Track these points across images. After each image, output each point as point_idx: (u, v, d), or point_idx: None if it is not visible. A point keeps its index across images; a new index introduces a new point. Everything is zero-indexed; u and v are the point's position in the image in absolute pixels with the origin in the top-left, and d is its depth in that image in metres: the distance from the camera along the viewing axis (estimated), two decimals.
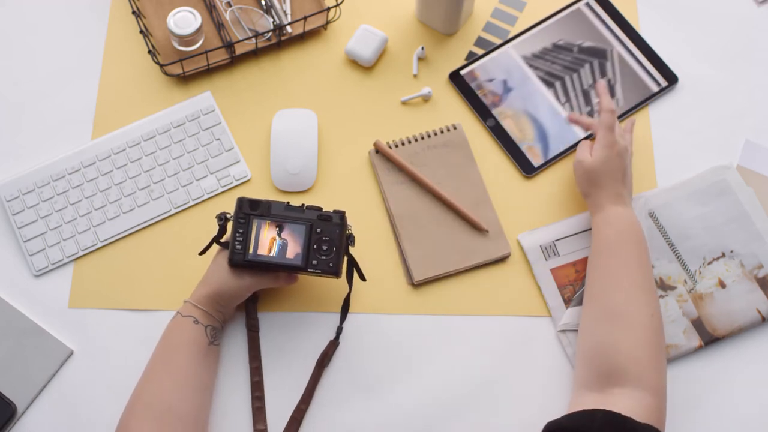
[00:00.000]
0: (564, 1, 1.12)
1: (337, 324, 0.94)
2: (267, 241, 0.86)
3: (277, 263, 0.86)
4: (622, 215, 0.90)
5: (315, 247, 0.86)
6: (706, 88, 1.07)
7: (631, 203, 0.93)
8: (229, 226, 0.98)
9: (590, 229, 0.98)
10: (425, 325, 0.95)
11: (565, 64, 1.06)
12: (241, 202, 0.87)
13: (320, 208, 0.88)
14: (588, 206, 0.94)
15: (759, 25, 1.11)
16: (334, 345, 0.93)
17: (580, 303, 0.94)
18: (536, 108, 1.04)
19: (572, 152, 1.03)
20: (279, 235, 0.87)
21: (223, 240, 0.90)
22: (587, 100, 1.05)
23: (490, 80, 1.06)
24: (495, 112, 1.02)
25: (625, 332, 0.83)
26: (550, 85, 1.05)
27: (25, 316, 0.94)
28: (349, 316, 0.95)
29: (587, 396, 0.82)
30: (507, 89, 1.05)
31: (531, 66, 1.06)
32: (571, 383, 0.93)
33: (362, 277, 0.92)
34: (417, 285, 0.97)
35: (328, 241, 0.86)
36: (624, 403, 0.78)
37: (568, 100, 1.05)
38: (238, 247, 0.86)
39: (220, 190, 1.00)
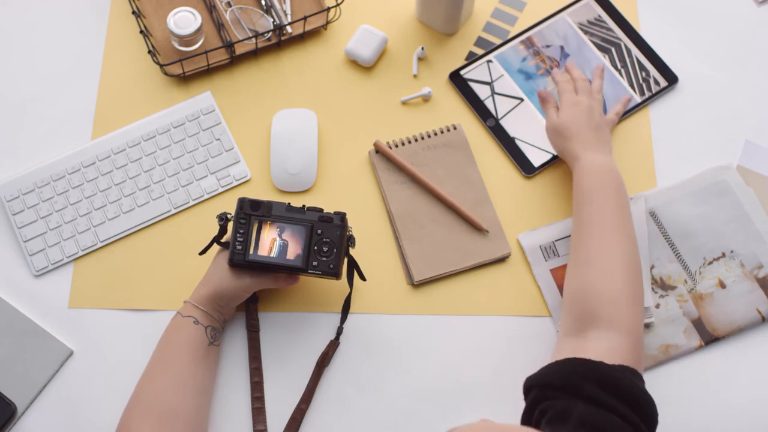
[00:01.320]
0: (564, 2, 1.12)
1: (338, 324, 0.94)
2: (268, 241, 0.86)
3: (277, 264, 0.86)
4: (597, 162, 0.90)
5: (315, 248, 0.86)
6: (706, 88, 1.07)
7: (608, 152, 0.93)
8: (230, 226, 0.98)
9: None
10: (425, 325, 0.95)
11: (611, 37, 1.09)
12: (242, 203, 0.87)
13: (321, 210, 0.88)
14: (568, 164, 0.95)
15: (759, 25, 1.11)
16: (334, 345, 0.93)
17: None
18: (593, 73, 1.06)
19: None
20: (280, 236, 0.87)
21: (223, 240, 0.90)
22: (642, 67, 1.06)
23: (548, 46, 1.07)
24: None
25: (599, 275, 0.83)
26: (605, 51, 1.07)
27: (25, 316, 0.94)
28: (349, 316, 0.95)
29: (566, 342, 0.82)
30: (564, 55, 1.07)
31: (586, 32, 1.08)
32: None
33: (362, 278, 0.92)
34: (417, 285, 0.97)
35: (328, 243, 0.86)
36: (597, 345, 0.78)
37: (625, 65, 1.07)
38: (239, 247, 0.86)
39: (220, 190, 1.00)
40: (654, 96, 1.06)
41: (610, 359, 0.76)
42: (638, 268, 0.85)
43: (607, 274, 0.83)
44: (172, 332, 0.86)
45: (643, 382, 0.76)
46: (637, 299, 0.83)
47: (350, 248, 0.89)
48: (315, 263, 0.86)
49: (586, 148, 0.92)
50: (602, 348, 0.78)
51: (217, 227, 0.98)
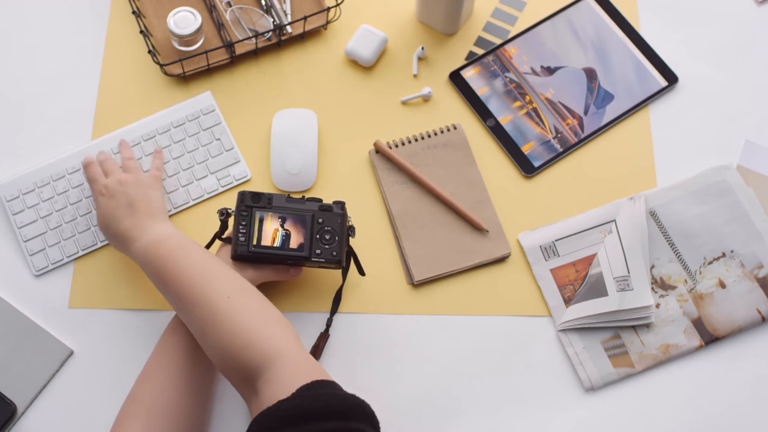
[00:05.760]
0: (564, 2, 1.12)
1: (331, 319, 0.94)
2: (270, 232, 0.87)
3: (281, 254, 0.87)
4: (148, 240, 0.84)
5: (318, 237, 0.87)
6: (706, 88, 1.07)
7: (157, 218, 0.88)
8: (231, 221, 0.98)
9: (590, 228, 0.98)
10: (425, 325, 0.95)
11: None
12: (243, 196, 0.88)
13: (320, 200, 0.89)
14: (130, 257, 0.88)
15: (759, 25, 1.11)
16: (324, 337, 0.93)
17: (579, 302, 0.94)
18: None
19: (573, 151, 1.04)
20: (282, 226, 0.87)
21: (224, 236, 0.91)
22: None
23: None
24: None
25: (219, 336, 0.75)
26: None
27: (25, 316, 0.94)
28: (349, 316, 0.95)
29: (251, 409, 0.74)
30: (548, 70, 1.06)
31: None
32: (572, 384, 0.93)
33: (361, 271, 0.92)
34: (417, 285, 0.97)
35: (330, 231, 0.87)
36: (269, 391, 0.70)
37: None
38: (242, 239, 0.87)
39: (220, 190, 1.00)
40: (654, 96, 1.06)
41: (286, 392, 0.68)
42: (247, 297, 0.78)
43: (230, 323, 0.75)
44: (170, 332, 0.86)
45: (330, 385, 0.69)
46: (270, 319, 0.76)
47: (350, 238, 0.89)
48: (318, 251, 0.87)
49: (129, 240, 0.86)
50: (274, 389, 0.69)
51: (218, 225, 0.98)
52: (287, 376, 0.70)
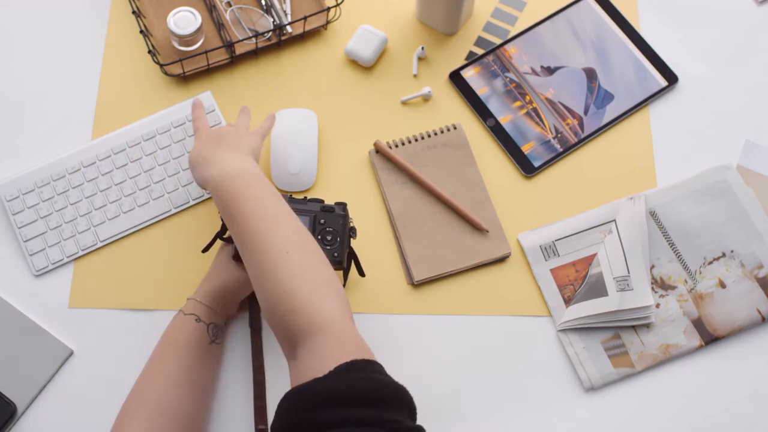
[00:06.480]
0: (564, 2, 1.12)
1: None
2: None
3: None
4: (225, 172, 0.81)
5: (319, 237, 0.87)
6: (706, 87, 1.07)
7: (242, 153, 0.85)
8: None
9: (590, 228, 0.98)
10: (425, 325, 0.95)
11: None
12: None
13: (322, 201, 0.89)
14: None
15: (759, 25, 1.11)
16: None
17: (579, 302, 0.94)
18: None
19: (573, 151, 1.04)
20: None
21: (226, 236, 0.91)
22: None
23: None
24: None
25: (275, 286, 0.71)
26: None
27: (25, 316, 0.94)
28: None
29: (290, 371, 0.71)
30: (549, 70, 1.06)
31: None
32: (572, 384, 0.93)
33: (361, 272, 0.92)
34: (417, 285, 0.97)
35: (331, 232, 0.87)
36: (309, 363, 0.66)
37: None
38: None
39: None
40: (654, 96, 1.06)
41: (323, 368, 0.64)
42: (307, 252, 0.74)
43: (281, 281, 0.71)
44: (172, 331, 0.86)
45: (370, 366, 0.65)
46: (322, 283, 0.72)
47: (351, 239, 0.89)
48: None
49: (209, 164, 0.84)
50: (312, 362, 0.66)
51: (219, 225, 0.98)
52: (328, 350, 0.66)
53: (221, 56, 1.06)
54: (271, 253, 0.73)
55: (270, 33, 1.06)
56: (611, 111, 1.05)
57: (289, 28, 1.07)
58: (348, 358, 0.64)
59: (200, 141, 0.89)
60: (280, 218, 0.76)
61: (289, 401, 0.63)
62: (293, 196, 0.94)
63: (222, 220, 0.86)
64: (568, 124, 1.04)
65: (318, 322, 0.69)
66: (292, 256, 0.73)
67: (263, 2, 1.08)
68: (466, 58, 1.09)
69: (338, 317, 0.69)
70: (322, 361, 0.65)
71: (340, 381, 0.62)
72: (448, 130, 1.03)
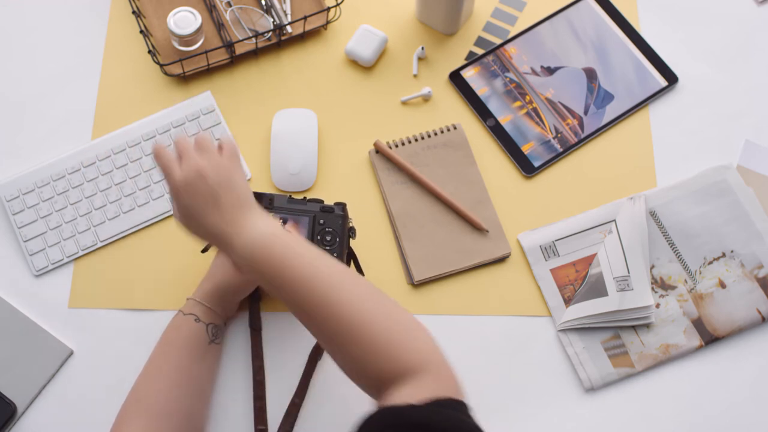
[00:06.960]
0: (564, 2, 1.12)
1: None
2: None
3: None
4: (256, 236, 0.73)
5: (319, 238, 0.87)
6: (706, 88, 1.07)
7: (256, 210, 0.75)
8: None
9: (590, 228, 0.98)
10: (425, 325, 0.95)
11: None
12: None
13: (322, 201, 0.89)
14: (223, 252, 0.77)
15: (759, 25, 1.11)
16: None
17: (579, 302, 0.94)
18: None
19: (573, 151, 1.04)
20: (283, 226, 0.87)
21: None
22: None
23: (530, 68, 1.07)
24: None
25: (355, 350, 0.68)
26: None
27: (25, 316, 0.94)
28: None
29: (377, 398, 0.70)
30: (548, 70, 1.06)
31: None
32: (572, 384, 0.93)
33: (360, 272, 0.92)
34: (417, 285, 0.97)
35: (331, 233, 0.87)
36: (400, 395, 0.65)
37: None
38: None
39: None
40: (654, 96, 1.06)
41: (418, 400, 0.63)
42: (377, 297, 0.70)
43: (367, 343, 0.68)
44: (172, 331, 0.86)
45: (463, 407, 0.65)
46: (407, 332, 0.69)
47: (351, 239, 0.89)
48: None
49: (222, 237, 0.74)
50: (408, 394, 0.65)
51: None
52: (425, 389, 0.65)
53: (221, 56, 1.06)
54: (344, 313, 0.68)
55: (270, 33, 1.06)
56: (611, 111, 1.05)
57: (289, 28, 1.07)
58: (444, 394, 0.65)
59: (192, 202, 0.74)
60: (333, 274, 0.70)
61: (383, 418, 0.62)
62: (293, 196, 0.94)
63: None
64: (568, 124, 1.04)
65: (416, 363, 0.67)
66: (368, 308, 0.69)
67: (263, 2, 1.08)
68: (466, 58, 1.09)
69: (434, 357, 0.68)
70: (418, 396, 0.64)
71: (435, 414, 0.62)
72: (448, 130, 1.03)
